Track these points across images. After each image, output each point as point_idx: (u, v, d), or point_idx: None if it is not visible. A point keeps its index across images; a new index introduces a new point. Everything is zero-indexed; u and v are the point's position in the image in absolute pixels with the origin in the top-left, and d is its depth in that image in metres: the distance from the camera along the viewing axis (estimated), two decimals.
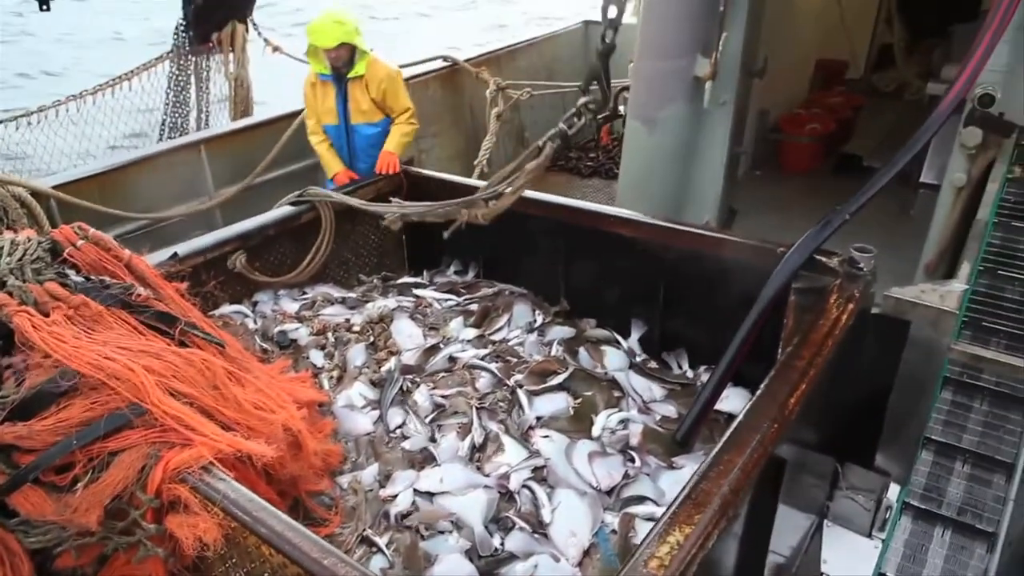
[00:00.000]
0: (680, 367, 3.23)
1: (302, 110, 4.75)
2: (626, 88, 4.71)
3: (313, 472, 2.28)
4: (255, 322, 3.29)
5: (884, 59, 8.45)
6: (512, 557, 2.21)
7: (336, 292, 3.62)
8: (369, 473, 2.49)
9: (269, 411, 2.04)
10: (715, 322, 2.75)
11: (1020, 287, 2.82)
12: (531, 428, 2.73)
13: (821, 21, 7.12)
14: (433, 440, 2.67)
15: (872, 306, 2.75)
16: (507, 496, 2.43)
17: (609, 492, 2.47)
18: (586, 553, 2.25)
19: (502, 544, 2.24)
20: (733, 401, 2.80)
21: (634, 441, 2.71)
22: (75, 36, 17.80)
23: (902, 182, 4.36)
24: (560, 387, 2.95)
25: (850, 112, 7.03)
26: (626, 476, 2.53)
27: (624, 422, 2.80)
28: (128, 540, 1.68)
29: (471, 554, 2.20)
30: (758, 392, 2.00)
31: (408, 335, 3.22)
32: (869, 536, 3.06)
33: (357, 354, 3.09)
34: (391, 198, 3.68)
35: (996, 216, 3.03)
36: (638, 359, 3.24)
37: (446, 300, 3.58)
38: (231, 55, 6.16)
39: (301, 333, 3.22)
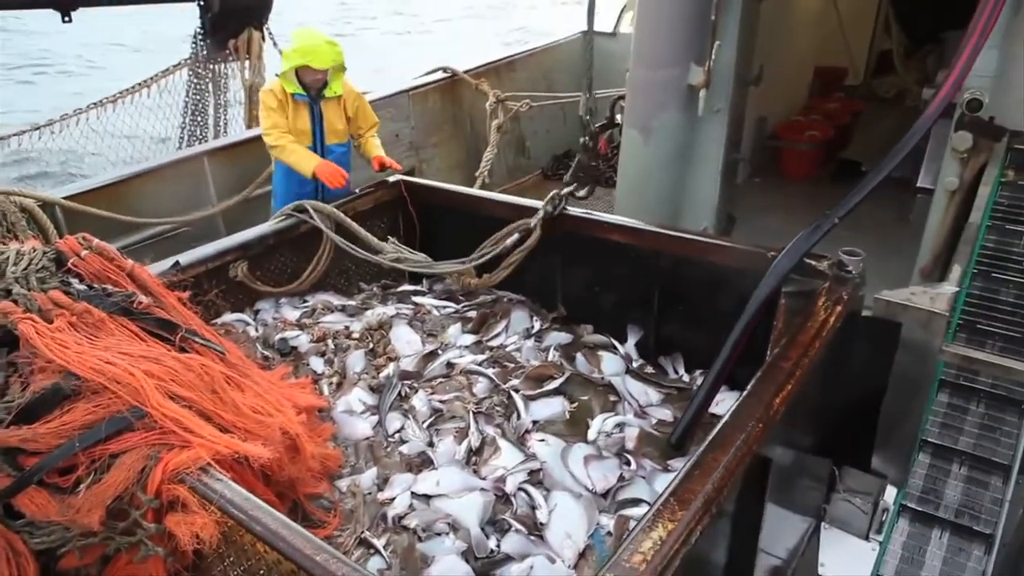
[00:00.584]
0: (676, 371, 3.27)
1: None
2: (622, 97, 4.77)
3: (312, 475, 2.32)
4: (256, 330, 3.34)
5: (884, 65, 8.50)
6: (508, 559, 2.24)
7: (336, 300, 3.67)
8: (368, 477, 2.53)
9: (267, 415, 2.09)
10: (710, 326, 2.78)
11: (1015, 290, 2.85)
12: (527, 432, 2.76)
13: (819, 28, 7.17)
14: (431, 444, 2.70)
15: (863, 309, 2.79)
16: (503, 499, 2.46)
17: (605, 495, 2.50)
18: (581, 555, 2.28)
19: (498, 546, 2.27)
20: (727, 404, 2.82)
21: (630, 444, 2.74)
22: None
23: (902, 187, 4.41)
24: (556, 391, 2.98)
25: (849, 118, 7.08)
26: (621, 479, 2.56)
27: (620, 426, 2.84)
28: (129, 540, 1.72)
29: (467, 555, 2.22)
30: (744, 392, 2.03)
31: (407, 341, 3.27)
32: (867, 539, 3.07)
33: (356, 360, 3.14)
34: (389, 237, 3.76)
35: (990, 219, 3.06)
36: (634, 364, 3.27)
37: (444, 307, 3.62)
38: (247, 62, 6.22)
39: (301, 340, 3.26)
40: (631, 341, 3.38)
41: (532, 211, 3.59)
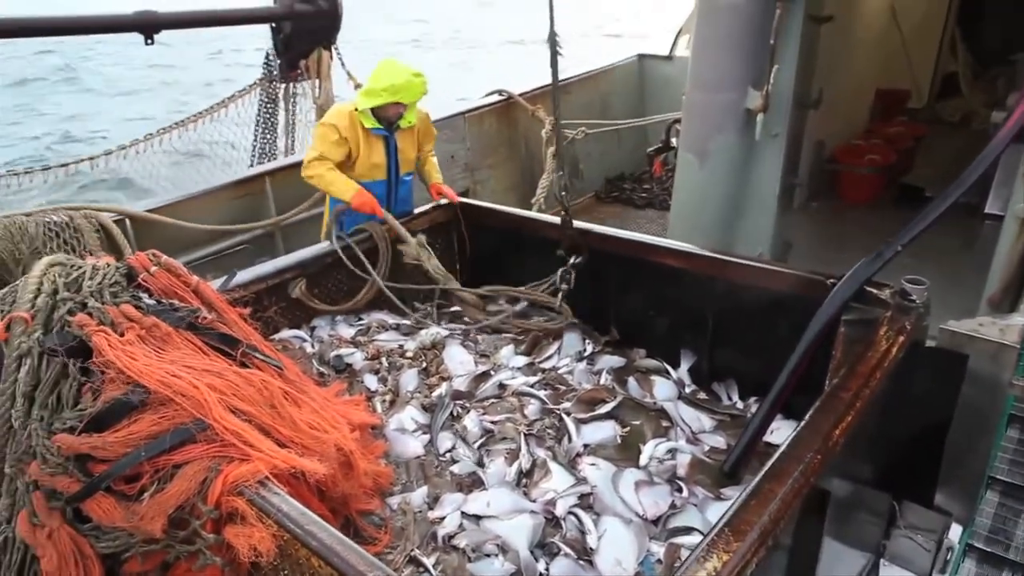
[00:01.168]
0: (730, 398, 3.22)
1: None
2: (678, 120, 4.75)
3: (364, 492, 2.35)
4: (313, 346, 3.41)
5: (949, 88, 8.29)
6: None
7: (391, 319, 3.72)
8: (418, 495, 2.55)
9: (323, 431, 2.13)
10: (765, 353, 2.74)
11: None
12: (578, 455, 2.75)
13: (881, 50, 7.03)
14: (481, 465, 2.71)
15: (926, 339, 2.70)
16: (553, 522, 2.45)
17: (655, 521, 2.47)
18: None
19: (547, 569, 2.26)
20: (782, 433, 2.76)
21: (682, 471, 2.71)
22: None
23: (969, 214, 4.28)
24: (608, 415, 2.96)
25: (911, 142, 6.90)
26: (673, 506, 2.52)
27: (672, 452, 2.80)
28: (189, 549, 1.77)
29: None
30: (802, 423, 1.99)
31: (459, 361, 3.30)
32: None
33: (409, 379, 3.17)
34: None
35: None
36: (687, 389, 3.23)
37: (497, 328, 3.64)
38: (317, 81, 6.40)
39: (356, 358, 3.32)
40: (684, 366, 3.35)
41: (585, 234, 3.60)
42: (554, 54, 3.51)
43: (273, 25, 5.98)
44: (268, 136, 6.39)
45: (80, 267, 2.38)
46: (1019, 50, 6.07)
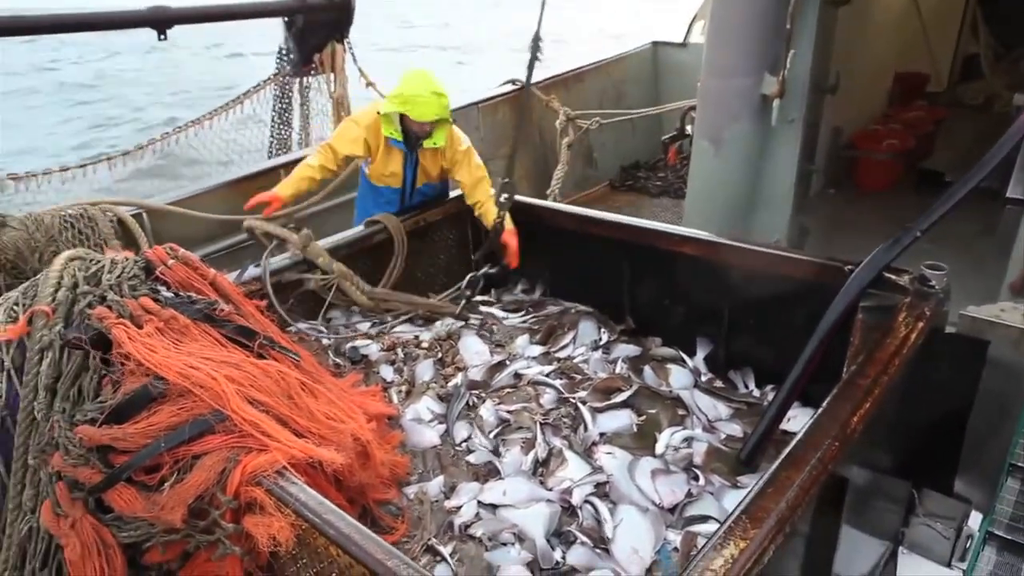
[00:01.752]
0: (746, 386, 3.20)
1: None
2: (693, 108, 4.71)
3: (381, 481, 2.37)
4: (329, 338, 3.43)
5: (970, 70, 8.16)
6: (573, 571, 2.23)
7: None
8: (435, 484, 2.57)
9: (339, 421, 2.15)
10: (782, 341, 2.72)
11: None
12: (594, 444, 2.75)
13: (900, 33, 6.92)
14: (497, 454, 2.72)
15: (946, 325, 2.67)
16: (569, 511, 2.46)
17: (672, 510, 2.47)
18: (648, 570, 2.26)
19: (563, 558, 2.27)
20: (800, 421, 2.75)
21: (698, 459, 2.70)
22: None
23: (990, 198, 4.22)
24: (624, 404, 2.96)
25: (931, 126, 6.81)
26: (689, 494, 2.52)
27: (688, 440, 2.80)
28: (208, 538, 1.79)
29: (532, 566, 2.23)
30: (819, 410, 1.98)
31: (475, 352, 3.30)
32: (949, 566, 2.93)
33: (425, 369, 3.19)
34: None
35: None
36: (703, 378, 3.22)
37: (512, 317, 3.64)
38: (332, 75, 6.39)
39: (372, 349, 3.34)
40: (700, 354, 3.33)
41: (600, 223, 3.59)
42: (533, 58, 3.51)
43: (286, 19, 5.96)
44: (283, 131, 6.41)
45: (99, 261, 2.41)
46: None
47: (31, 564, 2.04)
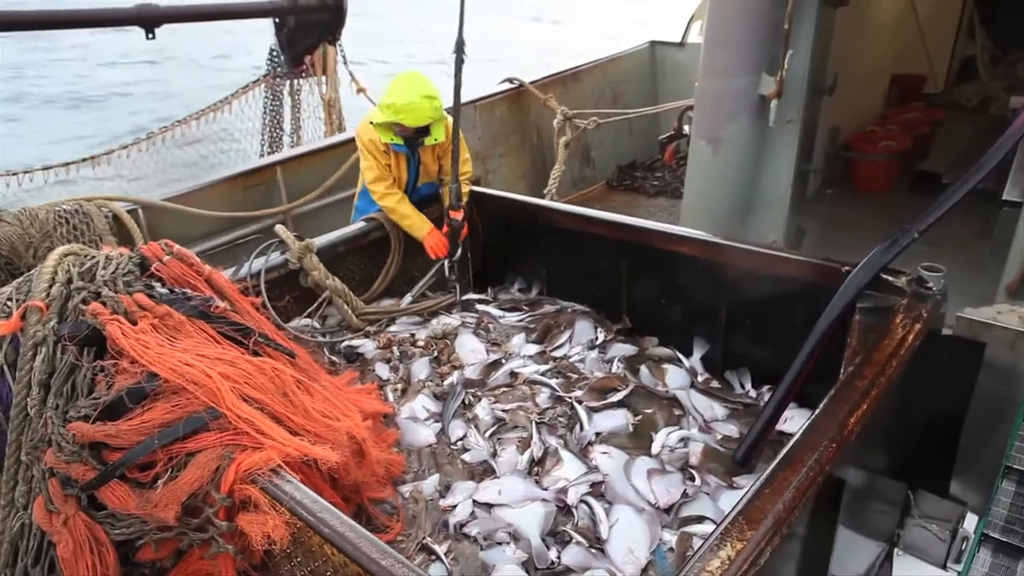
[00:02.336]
0: (743, 386, 3.20)
1: None
2: (690, 108, 4.71)
3: (376, 480, 2.36)
4: (325, 336, 3.41)
5: (966, 72, 8.16)
6: (568, 571, 2.23)
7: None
8: (430, 483, 2.56)
9: (335, 419, 2.14)
10: (779, 342, 2.72)
11: None
12: (590, 444, 2.75)
13: (897, 35, 6.93)
14: (493, 453, 2.71)
15: (943, 327, 2.67)
16: (565, 510, 2.45)
17: (667, 510, 2.47)
18: (643, 570, 2.25)
19: (558, 557, 2.26)
20: (796, 422, 2.75)
21: (694, 460, 2.70)
22: None
23: (987, 200, 4.22)
24: (620, 404, 2.96)
25: (928, 128, 6.81)
26: (685, 495, 2.52)
27: (684, 440, 2.80)
28: (202, 536, 1.78)
29: (528, 566, 2.22)
30: (816, 411, 1.97)
31: (471, 350, 3.30)
32: (944, 568, 2.94)
33: (421, 368, 3.18)
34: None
35: None
36: (700, 378, 3.22)
37: (509, 316, 3.64)
38: (323, 77, 6.36)
39: (368, 347, 3.33)
40: (697, 355, 3.33)
41: (597, 222, 3.59)
42: (459, 62, 3.48)
43: (276, 20, 5.90)
44: (275, 133, 6.39)
45: (94, 256, 2.39)
46: None
47: (23, 561, 2.02)
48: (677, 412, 2.97)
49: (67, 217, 3.90)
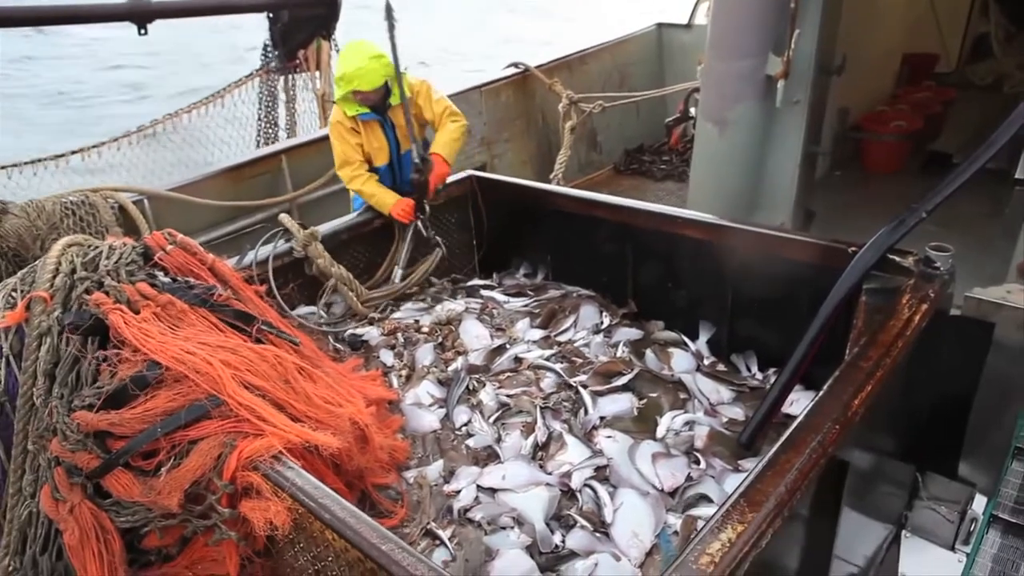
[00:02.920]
0: (749, 369, 3.18)
1: None
2: (697, 90, 4.66)
3: (380, 466, 2.37)
4: (330, 323, 3.42)
5: (980, 50, 8.03)
6: (573, 555, 2.23)
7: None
8: (434, 469, 2.56)
9: (337, 405, 2.14)
10: (786, 324, 2.70)
11: None
12: (594, 428, 2.74)
13: (908, 13, 6.82)
14: (497, 438, 2.71)
15: (951, 307, 2.64)
16: (569, 494, 2.45)
17: (672, 493, 2.46)
18: (648, 554, 2.25)
19: (563, 541, 2.26)
20: (802, 404, 2.73)
21: (699, 443, 2.69)
22: None
23: (997, 180, 4.16)
24: (625, 388, 2.95)
25: (940, 107, 6.70)
26: (689, 478, 2.51)
27: (689, 424, 2.78)
28: (205, 523, 1.79)
29: (532, 550, 2.23)
30: (820, 392, 1.96)
31: (475, 336, 3.29)
32: (952, 549, 2.92)
33: (425, 354, 3.18)
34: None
35: None
36: (706, 361, 3.20)
37: (513, 302, 3.63)
38: (317, 72, 6.34)
39: (372, 334, 3.33)
40: (703, 338, 3.31)
41: (602, 206, 3.57)
42: (391, 27, 3.54)
43: (270, 15, 5.90)
44: (270, 130, 6.38)
45: (97, 247, 2.40)
46: None
47: (31, 549, 2.04)
48: (682, 396, 2.95)
49: (73, 209, 3.92)
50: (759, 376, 3.13)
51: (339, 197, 5.11)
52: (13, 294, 2.29)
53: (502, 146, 6.66)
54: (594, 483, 2.46)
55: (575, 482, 2.46)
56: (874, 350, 2.11)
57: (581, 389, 2.90)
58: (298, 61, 6.15)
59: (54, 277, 2.26)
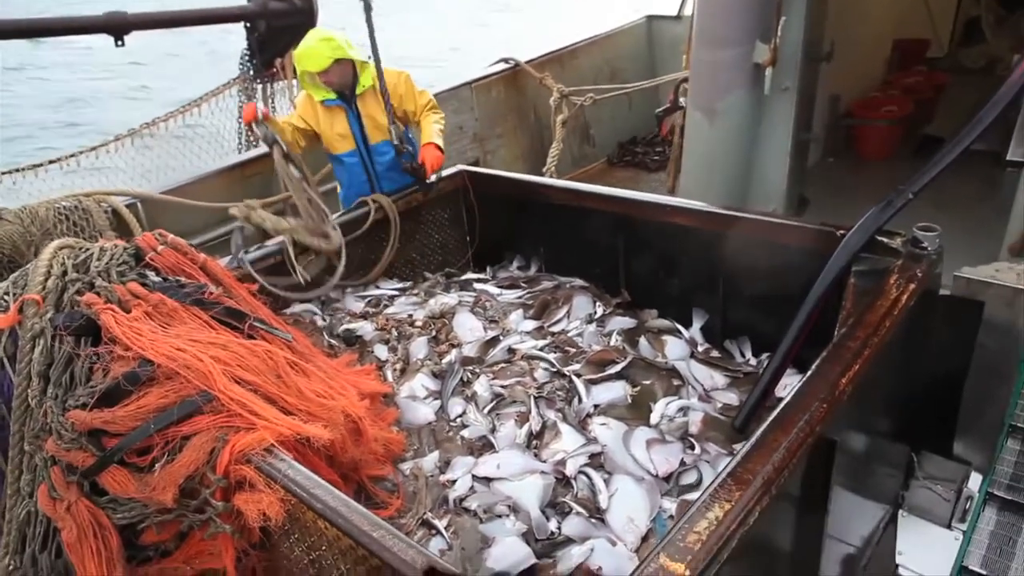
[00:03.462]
0: (743, 355, 3.20)
1: None
2: (686, 80, 4.67)
3: (375, 458, 2.38)
4: (323, 319, 3.44)
5: (971, 34, 8.04)
6: (569, 541, 2.24)
7: (400, 285, 3.76)
8: (430, 460, 2.58)
9: (330, 399, 2.15)
10: (778, 309, 2.70)
11: None
12: (589, 416, 2.75)
13: None
14: (492, 429, 2.73)
15: (940, 287, 2.65)
16: (564, 482, 2.46)
17: (667, 478, 2.47)
18: (644, 539, 2.26)
19: (559, 528, 2.28)
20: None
21: (694, 429, 2.70)
22: None
23: (990, 161, 4.17)
24: (619, 376, 2.96)
25: (932, 92, 6.72)
26: (683, 463, 2.52)
27: (683, 410, 2.79)
28: (200, 517, 1.81)
29: (528, 537, 2.23)
30: (808, 372, 1.97)
31: (469, 328, 3.30)
32: (949, 527, 2.94)
33: (419, 347, 3.19)
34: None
35: None
36: (700, 348, 3.21)
37: (507, 294, 3.64)
38: (294, 80, 6.36)
39: (366, 329, 3.34)
40: (696, 325, 3.33)
41: (593, 197, 3.58)
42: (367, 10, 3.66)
43: (247, 24, 5.92)
44: (250, 133, 6.40)
45: (88, 249, 2.42)
46: None
47: (31, 547, 2.06)
48: (676, 383, 2.96)
49: (67, 214, 3.93)
50: (753, 362, 3.14)
51: (330, 197, 5.12)
52: (5, 297, 2.31)
53: (495, 142, 6.67)
54: (589, 470, 2.47)
55: (570, 469, 2.47)
56: (861, 330, 2.13)
57: (575, 378, 2.91)
58: (275, 69, 6.19)
59: (46, 280, 2.28)
